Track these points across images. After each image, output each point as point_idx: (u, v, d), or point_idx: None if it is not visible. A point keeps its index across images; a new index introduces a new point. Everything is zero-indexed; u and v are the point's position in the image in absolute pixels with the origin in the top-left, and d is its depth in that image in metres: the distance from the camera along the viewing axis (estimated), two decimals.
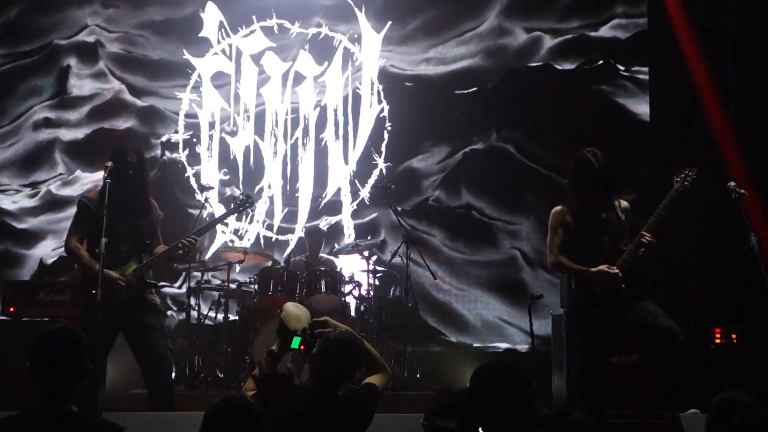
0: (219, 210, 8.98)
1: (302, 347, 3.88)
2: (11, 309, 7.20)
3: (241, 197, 5.93)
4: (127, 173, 5.40)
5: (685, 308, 7.52)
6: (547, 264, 5.42)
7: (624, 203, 5.30)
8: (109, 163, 5.32)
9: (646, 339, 5.24)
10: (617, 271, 4.99)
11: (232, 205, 6.05)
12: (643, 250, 5.04)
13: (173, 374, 6.25)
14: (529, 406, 3.24)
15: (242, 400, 3.02)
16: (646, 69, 9.03)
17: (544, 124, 9.05)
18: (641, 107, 9.01)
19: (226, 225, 9.08)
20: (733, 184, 5.86)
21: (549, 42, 9.23)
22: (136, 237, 5.46)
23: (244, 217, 9.08)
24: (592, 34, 9.22)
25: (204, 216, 8.63)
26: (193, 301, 7.75)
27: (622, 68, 9.10)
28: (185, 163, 9.22)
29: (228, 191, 9.07)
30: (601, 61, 9.15)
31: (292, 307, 4.09)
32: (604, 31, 9.19)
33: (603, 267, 4.99)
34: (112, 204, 5.27)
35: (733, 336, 7.14)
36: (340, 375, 3.78)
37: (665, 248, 7.64)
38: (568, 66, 9.16)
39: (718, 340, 7.24)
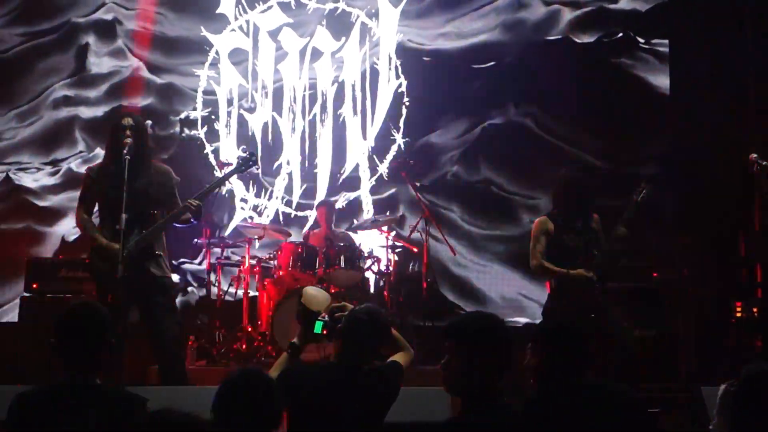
0: (237, 186, 9.04)
1: (325, 331, 3.91)
2: (34, 285, 7.30)
3: (245, 155, 5.80)
4: (125, 143, 5.28)
5: (706, 281, 7.52)
6: None
7: (595, 216, 5.75)
8: (129, 139, 5.31)
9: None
10: (592, 274, 5.48)
11: (235, 165, 5.79)
12: (618, 242, 5.57)
13: (185, 350, 6.29)
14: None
15: (257, 373, 3.06)
16: (666, 41, 8.97)
17: (562, 98, 9.01)
18: (661, 80, 8.95)
19: (245, 201, 9.12)
20: (755, 156, 5.87)
21: (568, 15, 9.16)
22: (137, 208, 5.29)
23: (263, 192, 9.13)
24: (612, 6, 9.15)
25: (223, 192, 8.72)
26: (213, 277, 7.81)
27: (641, 41, 9.04)
28: (204, 140, 9.24)
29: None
30: (620, 34, 9.09)
31: (312, 290, 4.13)
32: (624, 4, 9.12)
33: (580, 270, 5.49)
34: (113, 175, 5.28)
35: (755, 309, 7.13)
36: (365, 349, 3.80)
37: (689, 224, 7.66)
38: (587, 39, 9.10)
39: (739, 314, 7.24)
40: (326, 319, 3.91)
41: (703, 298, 7.36)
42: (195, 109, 9.28)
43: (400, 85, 9.23)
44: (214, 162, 9.11)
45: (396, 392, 3.83)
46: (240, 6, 9.29)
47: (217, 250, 8.05)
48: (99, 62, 9.32)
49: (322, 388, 3.65)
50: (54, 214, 9.06)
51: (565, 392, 3.28)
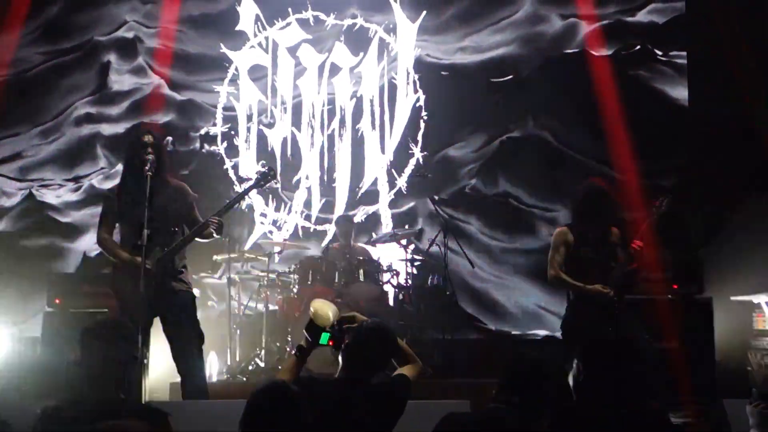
0: (257, 201, 9.10)
1: (331, 342, 3.92)
2: (57, 301, 7.37)
3: (264, 170, 5.85)
4: (146, 159, 5.34)
5: (728, 292, 7.48)
6: None
7: (615, 230, 5.75)
8: (150, 156, 5.37)
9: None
10: (609, 290, 5.50)
11: (255, 180, 5.83)
12: (635, 257, 5.58)
13: (209, 365, 6.30)
14: None
15: (284, 387, 3.08)
16: (684, 53, 8.95)
17: (580, 111, 9.00)
18: (679, 92, 8.93)
19: (265, 216, 9.17)
20: None
21: (585, 28, 9.16)
22: (158, 225, 5.34)
23: (282, 207, 9.18)
24: (629, 19, 9.14)
25: (243, 207, 8.77)
26: (233, 292, 7.85)
27: (659, 53, 9.02)
28: (224, 156, 9.31)
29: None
30: (638, 47, 9.08)
31: (320, 304, 4.12)
32: (641, 16, 9.12)
33: (598, 286, 5.50)
34: (133, 193, 5.34)
35: None
36: (373, 363, 3.81)
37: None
38: (605, 52, 9.09)
39: (761, 326, 7.21)
40: (335, 328, 3.92)
41: (725, 309, 7.32)
42: (215, 125, 9.36)
43: (418, 100, 9.27)
44: (233, 177, 9.19)
45: (402, 405, 3.81)
46: (259, 23, 9.37)
47: (237, 264, 8.10)
48: (120, 80, 9.42)
49: (328, 402, 3.65)
50: (76, 230, 9.14)
51: (594, 406, 3.27)
